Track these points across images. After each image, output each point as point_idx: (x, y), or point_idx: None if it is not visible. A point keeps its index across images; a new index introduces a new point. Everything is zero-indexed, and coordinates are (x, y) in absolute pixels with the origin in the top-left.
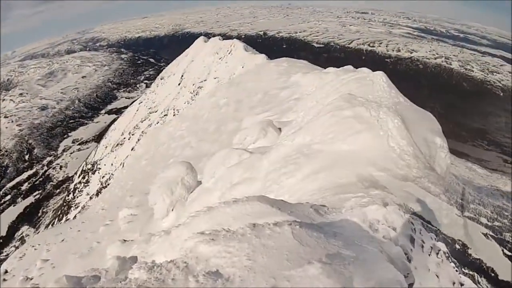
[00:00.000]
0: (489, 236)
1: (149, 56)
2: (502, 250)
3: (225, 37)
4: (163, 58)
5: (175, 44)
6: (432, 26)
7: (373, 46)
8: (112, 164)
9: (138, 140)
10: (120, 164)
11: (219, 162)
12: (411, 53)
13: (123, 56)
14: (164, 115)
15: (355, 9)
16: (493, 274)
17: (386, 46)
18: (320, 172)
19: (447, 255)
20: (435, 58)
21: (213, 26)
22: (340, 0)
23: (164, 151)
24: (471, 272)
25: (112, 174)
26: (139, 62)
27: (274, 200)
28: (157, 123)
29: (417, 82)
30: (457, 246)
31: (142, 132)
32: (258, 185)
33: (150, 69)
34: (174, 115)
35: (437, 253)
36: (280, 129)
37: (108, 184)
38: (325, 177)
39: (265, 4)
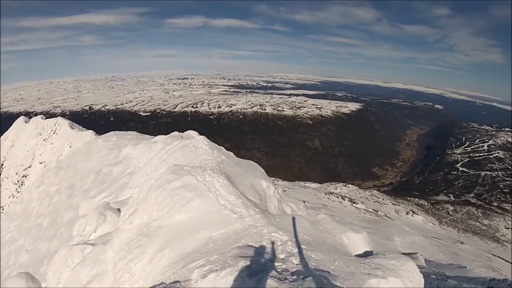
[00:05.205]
0: None
1: None
2: None
3: (49, 115)
4: None
5: None
6: (244, 81)
7: (196, 107)
8: None
9: None
10: None
11: (62, 263)
12: (231, 107)
13: None
14: None
15: (176, 76)
16: None
17: (208, 105)
18: (165, 248)
19: None
20: (252, 107)
21: (34, 103)
22: (162, 70)
23: None
24: None
25: None
26: None
27: None
28: None
29: (241, 130)
30: None
31: None
32: (110, 279)
33: None
34: None
35: None
36: (119, 209)
37: None
38: (171, 251)
39: (88, 77)
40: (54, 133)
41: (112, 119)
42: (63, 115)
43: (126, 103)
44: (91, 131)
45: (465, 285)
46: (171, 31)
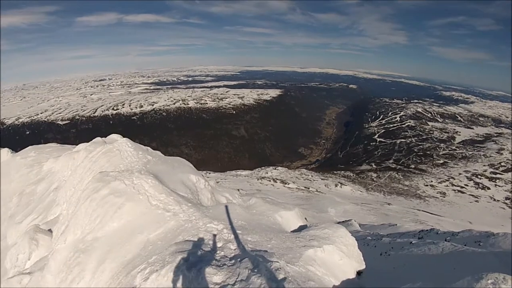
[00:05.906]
0: None
1: None
2: None
3: None
4: None
5: None
6: (164, 77)
7: (117, 109)
8: None
9: None
10: None
11: None
12: (153, 105)
13: None
14: None
15: (93, 78)
16: None
17: (129, 106)
18: (105, 260)
19: None
20: (174, 103)
21: None
22: (77, 73)
23: None
24: None
25: None
26: None
27: None
28: None
29: (166, 127)
30: None
31: None
32: None
33: None
34: None
35: None
36: (50, 230)
37: None
38: (111, 262)
39: None
40: None
41: (28, 132)
42: None
43: (41, 113)
44: (6, 149)
45: (399, 240)
46: (83, 30)
